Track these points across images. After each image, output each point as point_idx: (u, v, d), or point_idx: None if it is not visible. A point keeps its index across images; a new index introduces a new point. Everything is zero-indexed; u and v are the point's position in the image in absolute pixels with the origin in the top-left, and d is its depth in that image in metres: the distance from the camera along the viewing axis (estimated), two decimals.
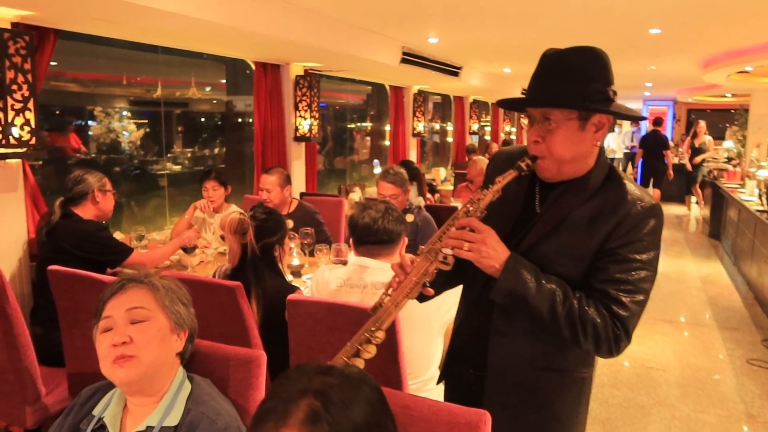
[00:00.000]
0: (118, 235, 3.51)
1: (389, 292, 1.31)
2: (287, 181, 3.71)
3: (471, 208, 1.33)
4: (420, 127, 8.01)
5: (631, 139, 14.10)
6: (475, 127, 10.38)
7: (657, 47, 5.90)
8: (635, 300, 1.30)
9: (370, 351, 1.22)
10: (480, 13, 4.24)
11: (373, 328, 1.24)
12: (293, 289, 2.27)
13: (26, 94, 2.87)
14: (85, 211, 2.88)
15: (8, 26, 2.90)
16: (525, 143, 1.44)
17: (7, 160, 2.97)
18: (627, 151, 13.60)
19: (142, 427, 1.28)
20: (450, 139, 10.81)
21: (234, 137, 7.09)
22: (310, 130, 5.28)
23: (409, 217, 3.41)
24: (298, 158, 5.44)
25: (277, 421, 0.85)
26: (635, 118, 1.45)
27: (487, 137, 11.93)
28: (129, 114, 5.63)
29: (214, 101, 7.16)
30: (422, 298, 1.41)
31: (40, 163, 4.19)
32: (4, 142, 2.83)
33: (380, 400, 0.94)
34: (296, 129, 5.28)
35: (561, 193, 1.37)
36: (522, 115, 1.47)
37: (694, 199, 10.35)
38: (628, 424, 3.20)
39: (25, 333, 2.28)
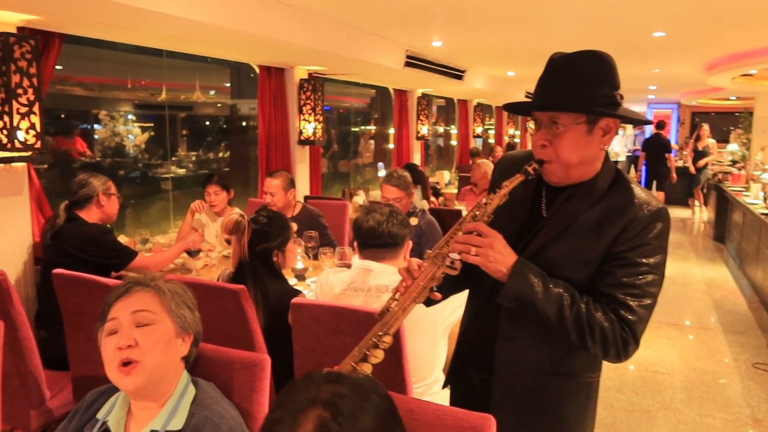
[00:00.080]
0: (122, 239, 3.52)
1: (396, 296, 1.31)
2: (291, 184, 3.72)
3: (478, 213, 1.33)
4: (424, 130, 8.01)
5: (633, 142, 14.07)
6: (479, 130, 10.38)
7: (661, 50, 5.89)
8: (643, 304, 1.29)
9: (378, 356, 1.22)
10: (484, 16, 4.25)
11: (380, 333, 1.24)
12: (295, 292, 2.27)
13: (31, 98, 2.89)
14: (90, 215, 2.89)
15: (14, 30, 2.92)
16: (529, 147, 1.44)
17: (13, 164, 2.98)
18: (629, 154, 13.57)
19: (146, 431, 1.27)
20: (454, 143, 10.81)
21: (238, 141, 7.11)
22: (314, 133, 5.29)
23: (413, 221, 3.41)
24: (302, 161, 5.45)
25: None
26: (643, 122, 1.45)
27: (491, 140, 11.93)
28: (134, 117, 5.65)
29: (219, 105, 7.18)
30: (429, 302, 1.41)
31: (45, 166, 4.21)
32: (9, 145, 2.85)
33: (389, 408, 0.93)
34: (300, 132, 5.28)
35: (568, 197, 1.37)
36: (527, 119, 1.46)
37: (697, 202, 10.32)
38: (633, 429, 3.18)
39: (29, 336, 2.29)
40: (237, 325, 2.09)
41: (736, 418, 3.31)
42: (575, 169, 1.34)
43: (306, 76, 5.32)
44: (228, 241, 3.37)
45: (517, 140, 12.78)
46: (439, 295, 1.33)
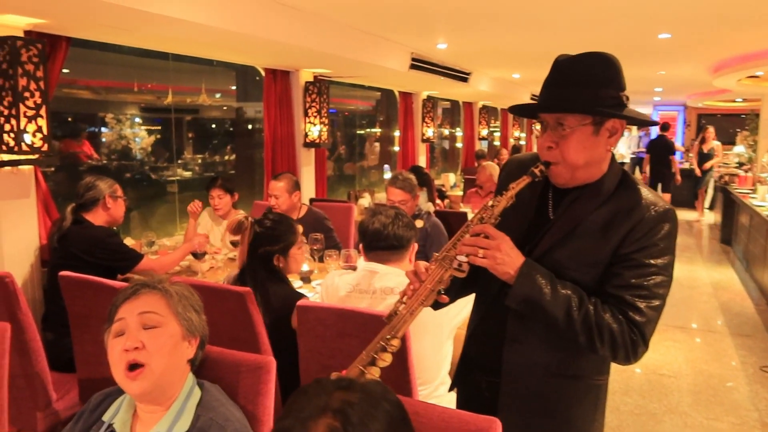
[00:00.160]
0: (128, 241, 3.53)
1: (404, 300, 1.31)
2: (296, 186, 3.72)
3: (485, 215, 1.33)
4: (429, 132, 8.01)
5: (638, 144, 14.04)
6: (484, 132, 10.37)
7: (666, 52, 5.87)
8: (651, 305, 1.29)
9: (386, 359, 1.22)
10: (489, 18, 4.24)
11: (388, 336, 1.24)
12: (298, 296, 2.26)
13: (38, 101, 2.90)
14: (96, 217, 2.90)
15: (21, 34, 2.93)
16: (535, 149, 1.44)
17: (20, 167, 3.00)
18: (633, 155, 13.54)
19: None
20: (459, 145, 10.80)
21: (244, 143, 7.13)
22: (319, 136, 5.30)
23: (419, 223, 3.41)
24: (307, 164, 5.46)
25: None
26: (649, 123, 1.44)
27: (497, 143, 11.92)
28: (140, 121, 5.68)
29: (225, 108, 7.20)
30: (437, 305, 1.40)
31: (52, 169, 4.23)
32: (16, 148, 2.86)
33: (401, 416, 0.92)
34: (306, 135, 5.29)
35: (574, 199, 1.36)
36: (533, 122, 1.46)
37: (706, 203, 10.26)
38: None
39: (36, 338, 2.30)
40: (242, 328, 2.09)
41: (744, 421, 3.29)
42: (582, 170, 1.34)
43: (311, 79, 5.33)
44: (233, 243, 3.38)
45: (522, 143, 12.76)
46: (446, 298, 1.33)
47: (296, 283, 2.98)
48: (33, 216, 3.13)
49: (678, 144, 13.05)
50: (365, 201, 5.68)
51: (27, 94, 2.85)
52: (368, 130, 9.58)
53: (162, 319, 1.31)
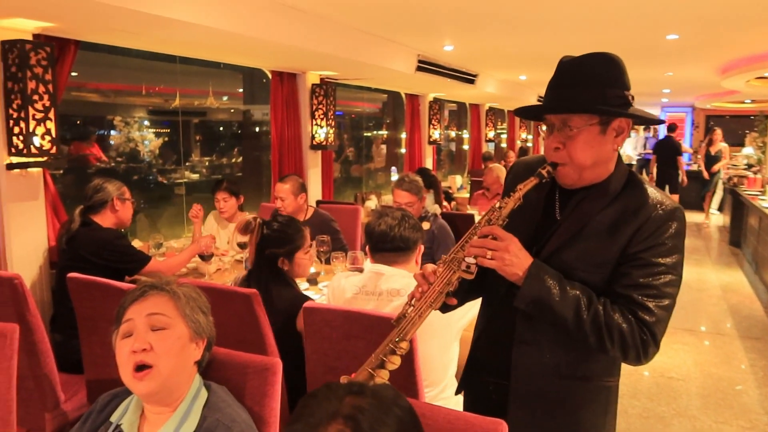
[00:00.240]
0: (136, 243, 3.55)
1: (413, 302, 1.31)
2: (301, 188, 3.72)
3: (492, 217, 1.33)
4: (436, 134, 8.00)
5: (644, 145, 13.97)
6: (491, 134, 10.35)
7: (674, 53, 5.85)
8: (661, 305, 1.28)
9: (395, 362, 1.21)
10: (495, 20, 4.24)
11: (397, 339, 1.24)
12: (304, 298, 2.26)
13: (47, 104, 2.92)
14: (104, 219, 2.92)
15: (30, 38, 2.96)
16: (542, 151, 1.44)
17: (29, 169, 3.02)
18: (639, 157, 13.48)
19: None
20: (466, 147, 10.79)
21: (251, 146, 7.14)
22: (326, 138, 5.31)
23: (425, 225, 3.40)
24: (314, 166, 5.47)
25: None
26: (655, 122, 1.44)
27: (504, 145, 11.90)
28: (148, 123, 5.71)
29: (232, 110, 7.23)
30: (445, 308, 1.41)
31: (61, 172, 4.26)
32: (25, 151, 2.89)
33: (412, 422, 0.91)
34: (312, 137, 5.30)
35: (581, 200, 1.36)
36: (539, 124, 1.47)
37: (714, 205, 10.19)
38: None
39: (44, 340, 2.31)
40: (249, 329, 2.09)
41: (753, 425, 3.26)
42: (589, 171, 1.33)
43: (318, 81, 5.35)
44: (240, 245, 3.39)
45: (529, 144, 12.73)
46: (455, 300, 1.33)
47: (303, 285, 2.99)
48: (42, 218, 3.15)
49: (686, 145, 12.98)
50: (372, 203, 5.68)
51: (36, 97, 2.88)
52: (375, 132, 9.59)
53: (170, 320, 1.32)
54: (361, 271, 2.63)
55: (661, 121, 1.44)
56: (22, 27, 2.93)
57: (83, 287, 2.33)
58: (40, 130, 2.91)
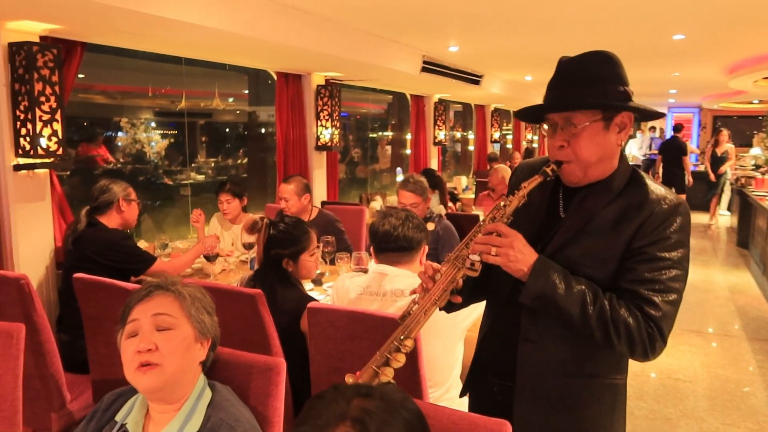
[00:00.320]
0: (142, 244, 3.56)
1: (417, 300, 1.31)
2: (305, 189, 3.73)
3: (497, 215, 1.33)
4: (441, 135, 8.00)
5: (650, 146, 13.92)
6: (496, 135, 10.34)
7: (681, 53, 5.82)
8: (667, 300, 1.27)
9: (400, 360, 1.21)
10: (500, 20, 4.23)
11: (401, 337, 1.24)
12: (308, 299, 2.26)
13: (54, 105, 2.94)
14: (110, 220, 2.93)
15: (37, 40, 2.98)
16: (547, 153, 1.44)
17: (35, 170, 3.04)
18: (643, 158, 13.43)
19: None
20: (471, 148, 10.78)
21: (256, 147, 7.17)
22: (331, 139, 5.32)
23: (430, 226, 3.40)
24: (319, 167, 5.47)
25: None
26: (656, 115, 1.43)
27: (509, 146, 11.88)
28: (154, 125, 5.74)
29: (237, 112, 7.25)
30: (450, 307, 1.41)
31: (68, 173, 4.29)
32: (32, 152, 2.90)
33: (420, 425, 0.91)
34: (317, 138, 5.31)
35: (584, 197, 1.37)
36: (540, 125, 1.48)
37: (723, 205, 10.11)
38: None
39: (51, 340, 2.32)
40: (253, 330, 2.10)
41: (761, 427, 3.23)
42: (594, 167, 1.34)
43: (323, 83, 5.36)
44: (246, 246, 3.40)
45: (535, 145, 12.70)
46: (459, 299, 1.33)
47: (307, 286, 2.99)
48: (48, 219, 3.17)
49: (693, 146, 12.92)
50: (377, 204, 5.68)
51: (42, 99, 2.89)
52: (380, 133, 9.59)
53: (175, 321, 1.32)
54: (365, 271, 2.62)
55: (662, 114, 1.44)
56: (29, 29, 2.95)
57: (89, 287, 2.34)
58: (46, 131, 2.93)
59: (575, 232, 1.34)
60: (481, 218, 1.43)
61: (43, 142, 2.92)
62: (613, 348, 1.28)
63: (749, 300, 5.67)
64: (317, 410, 0.87)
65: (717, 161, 9.45)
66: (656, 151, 11.34)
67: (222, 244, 3.87)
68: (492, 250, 1.27)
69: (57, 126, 2.96)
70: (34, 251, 3.11)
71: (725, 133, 9.58)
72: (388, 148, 9.50)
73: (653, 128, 15.30)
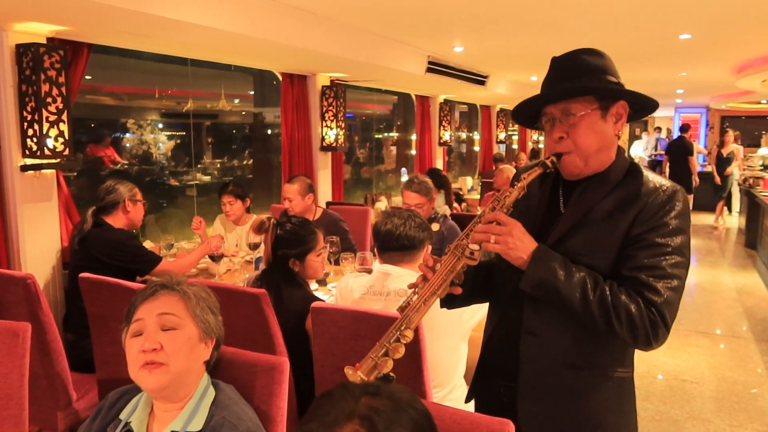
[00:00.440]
0: (147, 244, 3.57)
1: (417, 290, 1.31)
2: (309, 189, 3.73)
3: (496, 206, 1.34)
4: (446, 136, 8.00)
5: (655, 147, 13.86)
6: (502, 136, 10.32)
7: (688, 53, 5.79)
8: (669, 286, 1.26)
9: (399, 351, 1.22)
10: (506, 21, 4.23)
11: (401, 327, 1.24)
12: (314, 299, 2.26)
13: (60, 106, 2.96)
14: (116, 220, 2.95)
15: (43, 41, 3.00)
16: (545, 148, 1.45)
17: (42, 171, 3.06)
18: (649, 158, 13.38)
19: None
20: (477, 149, 10.77)
21: (262, 148, 7.19)
22: (336, 139, 5.32)
23: (435, 226, 3.40)
24: (324, 168, 5.48)
25: None
26: (651, 104, 1.43)
27: (515, 146, 11.85)
28: (162, 126, 5.77)
29: (243, 113, 7.27)
30: (451, 302, 1.42)
31: (75, 174, 4.31)
32: (39, 153, 2.92)
33: (428, 425, 0.91)
34: (323, 139, 5.32)
35: (583, 189, 1.38)
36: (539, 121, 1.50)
37: (735, 207, 10.04)
38: None
39: (57, 339, 2.34)
40: (257, 329, 2.10)
41: None
42: (594, 157, 1.35)
43: (328, 83, 5.36)
44: (251, 246, 3.40)
45: (541, 146, 12.66)
46: (459, 290, 1.34)
47: (312, 286, 2.99)
48: (55, 219, 3.19)
49: (700, 146, 12.85)
50: (382, 204, 5.68)
51: (49, 100, 2.91)
52: (386, 134, 9.60)
53: (180, 321, 1.32)
54: (369, 271, 2.63)
55: (656, 104, 1.43)
56: (36, 31, 2.97)
57: (95, 287, 2.35)
58: (53, 132, 2.94)
59: (575, 223, 1.35)
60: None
61: (50, 142, 2.94)
62: (616, 335, 1.27)
63: (757, 301, 5.63)
64: (325, 408, 0.87)
65: (723, 162, 9.40)
66: (662, 152, 11.30)
67: (225, 245, 3.88)
68: (491, 238, 1.27)
69: (63, 127, 2.98)
70: (41, 251, 3.13)
71: (731, 134, 9.53)
72: (393, 148, 9.50)
73: (659, 129, 15.24)
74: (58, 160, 3.00)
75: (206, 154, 6.60)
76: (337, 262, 3.31)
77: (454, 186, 7.01)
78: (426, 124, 7.74)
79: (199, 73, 5.32)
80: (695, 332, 4.70)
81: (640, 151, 13.92)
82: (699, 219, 10.20)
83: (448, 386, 2.07)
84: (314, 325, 2.00)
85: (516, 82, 8.46)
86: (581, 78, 1.34)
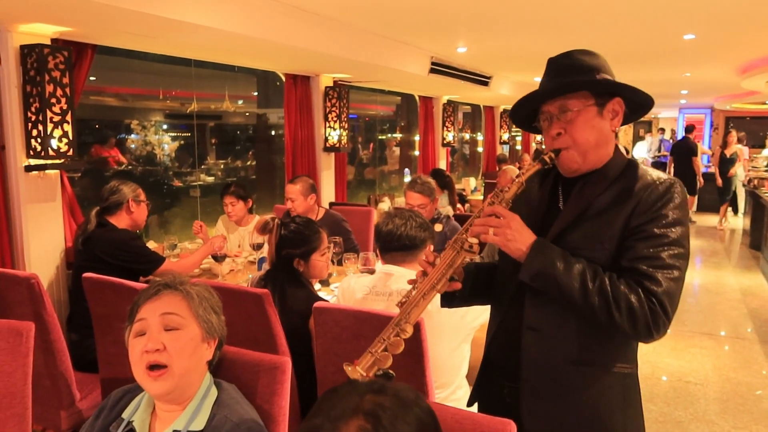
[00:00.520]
0: (151, 244, 3.58)
1: (416, 286, 1.32)
2: (311, 189, 3.73)
3: (495, 201, 1.35)
4: (449, 137, 7.99)
5: (659, 148, 13.82)
6: (505, 137, 10.31)
7: (692, 53, 5.77)
8: (669, 276, 1.26)
9: (399, 346, 1.22)
10: (509, 21, 4.22)
11: (401, 321, 1.24)
12: (317, 299, 2.27)
13: (64, 107, 2.97)
14: (120, 221, 2.95)
15: (48, 42, 3.01)
16: (544, 146, 1.46)
17: (46, 171, 3.07)
18: (652, 159, 13.34)
19: (169, 431, 1.29)
20: (480, 149, 10.76)
21: (265, 148, 7.20)
22: (339, 140, 5.33)
23: (438, 227, 3.40)
24: (327, 168, 5.49)
25: None
26: (647, 101, 1.43)
27: (518, 147, 11.84)
28: (166, 127, 5.78)
29: (247, 114, 7.29)
30: (450, 300, 1.42)
31: (79, 174, 4.33)
32: (43, 153, 2.93)
33: (432, 423, 0.91)
34: (326, 140, 5.32)
35: (582, 186, 1.39)
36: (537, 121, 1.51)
37: (741, 208, 9.99)
38: None
39: (60, 339, 2.35)
40: (260, 329, 2.10)
41: None
42: (591, 152, 1.36)
43: (331, 84, 5.37)
44: (253, 246, 3.41)
45: (544, 146, 12.64)
46: (459, 285, 1.35)
47: (315, 286, 3.00)
48: (59, 219, 3.20)
49: (704, 147, 12.80)
50: (385, 205, 5.68)
51: (53, 101, 2.93)
52: (389, 135, 9.60)
53: (183, 321, 1.32)
54: (372, 272, 2.63)
55: (651, 100, 1.43)
56: (41, 32, 2.98)
57: (98, 287, 2.36)
58: (57, 132, 2.96)
59: (574, 218, 1.36)
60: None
61: (54, 143, 2.95)
62: (616, 326, 1.26)
63: (762, 303, 5.61)
64: (331, 402, 0.87)
65: (726, 162, 9.36)
66: (666, 153, 11.25)
67: (228, 246, 3.89)
68: (490, 231, 1.28)
69: (68, 127, 2.99)
70: (45, 251, 3.14)
71: (734, 134, 9.49)
72: (397, 149, 9.51)
73: (662, 130, 15.19)
74: (62, 160, 3.01)
75: (210, 155, 6.61)
76: (339, 263, 3.31)
77: (457, 187, 7.01)
78: (429, 125, 7.74)
79: (202, 74, 5.33)
80: (699, 333, 4.68)
81: (644, 152, 13.87)
82: (703, 220, 10.16)
83: (451, 387, 2.07)
84: (317, 325, 2.01)
85: (519, 82, 8.45)
86: (577, 74, 1.37)
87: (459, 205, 5.77)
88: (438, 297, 1.53)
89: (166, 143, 5.80)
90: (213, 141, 6.71)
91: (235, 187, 3.94)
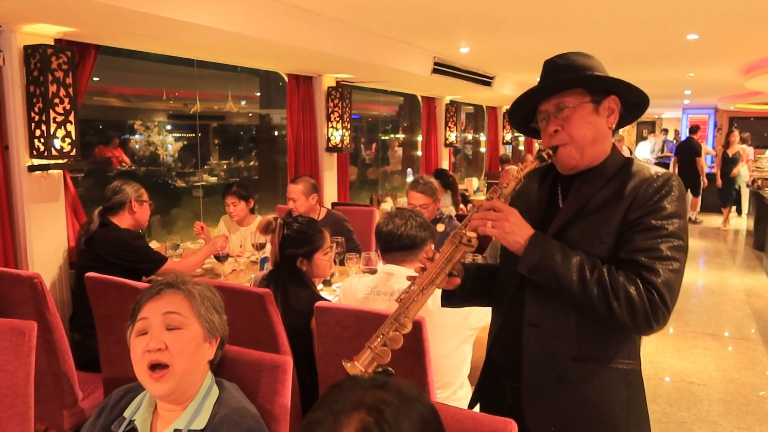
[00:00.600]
0: (153, 244, 3.59)
1: (415, 281, 1.32)
2: (313, 189, 3.73)
3: (494, 196, 1.37)
4: (452, 137, 7.99)
5: (662, 149, 13.79)
6: (508, 137, 10.30)
7: (695, 53, 5.76)
8: (668, 267, 1.26)
9: (398, 341, 1.22)
10: (511, 21, 4.22)
11: (400, 316, 1.24)
12: (319, 299, 2.27)
13: (67, 107, 2.98)
14: (123, 221, 2.96)
15: (51, 42, 3.02)
16: (543, 144, 1.48)
17: (49, 171, 3.08)
18: (656, 160, 13.31)
19: (170, 431, 1.29)
20: (483, 150, 10.75)
21: (268, 149, 7.22)
22: (341, 140, 5.33)
23: (440, 227, 3.40)
24: (330, 169, 5.49)
25: None
26: (642, 99, 1.43)
27: (521, 147, 11.83)
28: (170, 128, 5.80)
29: (250, 114, 7.30)
30: (450, 299, 1.43)
31: (82, 175, 4.34)
32: (46, 153, 2.94)
33: (434, 420, 0.91)
34: (328, 140, 5.33)
35: (580, 183, 1.40)
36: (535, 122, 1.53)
37: (745, 209, 9.96)
38: None
39: (63, 339, 2.35)
40: (262, 329, 2.10)
41: None
42: (589, 149, 1.38)
43: (334, 84, 5.37)
44: (256, 246, 3.41)
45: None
46: (458, 281, 1.36)
47: (318, 286, 3.00)
48: (62, 219, 3.21)
49: (708, 147, 12.76)
50: (387, 205, 5.68)
51: (57, 101, 2.93)
52: (392, 135, 9.60)
53: (185, 320, 1.32)
54: (374, 272, 2.63)
55: (647, 98, 1.44)
56: (44, 32, 2.99)
57: (100, 286, 2.37)
58: (60, 132, 2.96)
59: (572, 214, 1.37)
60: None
61: (57, 143, 2.95)
62: (615, 318, 1.25)
63: (766, 303, 5.59)
64: (334, 396, 0.88)
65: (728, 162, 9.32)
66: (669, 154, 11.22)
67: (230, 246, 3.89)
68: (488, 224, 1.29)
69: (71, 127, 3.00)
70: (48, 251, 3.15)
71: (736, 134, 9.46)
72: (399, 149, 9.51)
73: (665, 130, 15.16)
74: (65, 160, 3.02)
75: (213, 156, 6.63)
76: (341, 263, 3.31)
77: (460, 187, 7.01)
78: (432, 125, 7.74)
79: (205, 74, 5.34)
80: (703, 334, 4.67)
81: (647, 152, 13.85)
82: (707, 221, 10.14)
83: (452, 387, 2.07)
84: (318, 325, 2.01)
85: (522, 83, 8.43)
86: (573, 72, 1.39)
87: (462, 206, 5.77)
88: (438, 297, 1.53)
89: (169, 144, 5.81)
90: (216, 141, 6.72)
91: (236, 187, 3.94)
